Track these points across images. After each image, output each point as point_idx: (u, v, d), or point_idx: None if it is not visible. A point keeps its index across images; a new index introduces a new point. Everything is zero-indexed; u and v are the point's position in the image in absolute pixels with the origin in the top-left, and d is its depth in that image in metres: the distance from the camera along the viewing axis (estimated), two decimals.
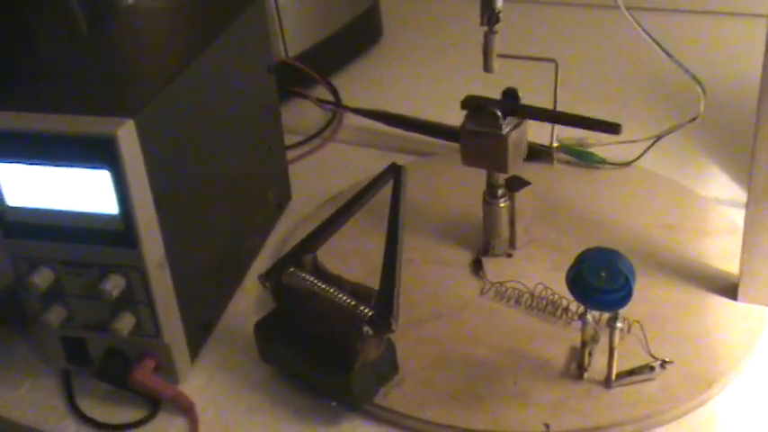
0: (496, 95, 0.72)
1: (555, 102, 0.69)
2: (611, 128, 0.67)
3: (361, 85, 1.12)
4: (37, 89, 0.66)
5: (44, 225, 0.62)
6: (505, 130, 0.70)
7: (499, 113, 0.70)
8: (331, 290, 0.65)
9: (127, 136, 0.58)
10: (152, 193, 0.62)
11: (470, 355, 0.68)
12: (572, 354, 0.67)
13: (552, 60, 0.67)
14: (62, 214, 0.62)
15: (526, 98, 0.72)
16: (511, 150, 0.71)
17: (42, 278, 0.63)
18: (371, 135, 1.00)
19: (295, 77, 1.06)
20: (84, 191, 0.60)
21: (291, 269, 0.67)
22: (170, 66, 0.68)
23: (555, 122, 0.68)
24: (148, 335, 0.66)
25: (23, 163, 0.60)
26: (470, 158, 0.74)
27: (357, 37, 1.19)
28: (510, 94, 0.71)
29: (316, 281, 0.66)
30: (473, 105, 0.71)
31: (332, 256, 0.70)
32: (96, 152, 0.58)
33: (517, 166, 0.73)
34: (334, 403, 0.65)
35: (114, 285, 0.63)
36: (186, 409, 0.66)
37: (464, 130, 0.72)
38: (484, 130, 0.71)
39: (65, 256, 0.63)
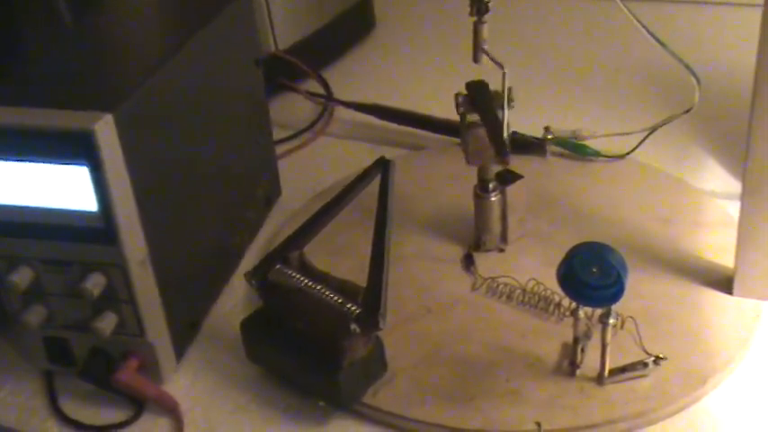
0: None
1: (505, 106, 0.68)
2: (502, 154, 0.67)
3: (353, 78, 1.11)
4: (14, 82, 0.65)
5: (22, 223, 0.61)
6: (472, 119, 0.70)
7: (461, 101, 0.70)
8: (318, 287, 0.64)
9: (105, 131, 0.57)
10: (133, 189, 0.61)
11: (461, 352, 0.67)
12: (564, 350, 0.66)
13: (502, 67, 0.67)
14: (40, 211, 0.60)
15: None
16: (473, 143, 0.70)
17: (22, 277, 0.62)
18: (363, 129, 0.99)
19: (285, 70, 1.04)
20: (62, 187, 0.59)
21: (278, 266, 0.66)
22: (152, 58, 0.67)
23: (485, 123, 0.69)
24: (132, 334, 0.65)
25: (0, 159, 0.59)
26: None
27: (348, 29, 1.17)
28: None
29: (302, 278, 0.65)
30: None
31: (321, 252, 0.69)
32: (74, 147, 0.57)
33: (480, 161, 0.73)
34: (321, 403, 0.64)
35: (95, 284, 0.61)
36: (171, 410, 0.65)
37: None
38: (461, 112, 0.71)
39: (44, 254, 0.62)
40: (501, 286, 0.73)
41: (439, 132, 0.94)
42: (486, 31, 0.69)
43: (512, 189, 0.75)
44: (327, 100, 1.04)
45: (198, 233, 0.72)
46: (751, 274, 0.68)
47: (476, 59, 0.70)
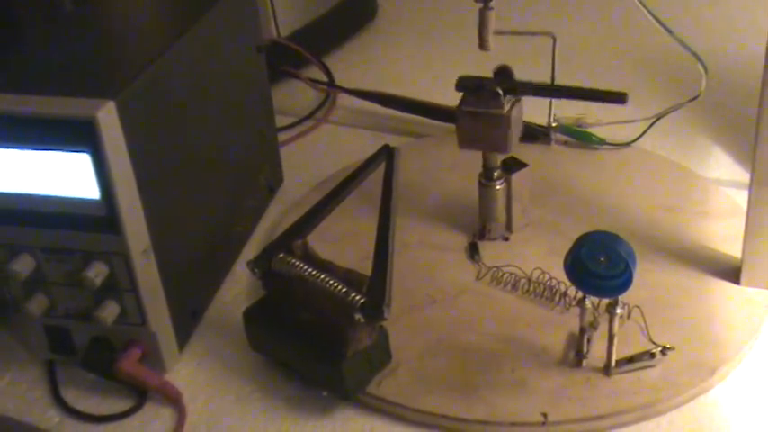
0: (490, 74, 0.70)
1: (553, 77, 0.67)
2: (617, 98, 0.64)
3: (355, 65, 1.10)
4: (15, 69, 0.64)
5: (24, 210, 0.61)
6: (506, 108, 0.68)
7: (500, 92, 0.67)
8: (321, 276, 0.63)
9: (107, 118, 0.56)
10: (135, 177, 0.60)
11: (466, 342, 0.67)
12: (570, 340, 0.66)
13: (550, 34, 0.65)
14: (42, 199, 0.60)
15: (521, 76, 0.70)
16: (512, 129, 0.69)
17: (23, 265, 0.62)
18: (366, 116, 0.99)
19: (287, 57, 1.04)
20: (64, 175, 0.58)
21: (281, 255, 0.65)
22: (154, 45, 0.66)
23: (557, 97, 0.66)
24: (134, 323, 0.64)
25: (1, 146, 0.58)
26: (468, 141, 0.71)
27: (351, 16, 1.17)
28: (503, 72, 0.69)
29: (306, 267, 0.64)
30: (470, 86, 0.69)
31: (324, 240, 0.68)
32: (76, 135, 0.56)
33: (515, 146, 0.71)
34: (325, 393, 0.64)
35: (97, 273, 0.61)
36: (173, 400, 0.65)
37: (461, 111, 0.70)
38: (483, 110, 0.69)
39: (46, 242, 0.62)
40: (506, 275, 0.72)
41: (442, 120, 0.93)
42: (492, 17, 0.68)
43: (516, 177, 0.74)
44: (330, 87, 1.04)
45: (201, 221, 0.72)
46: (758, 264, 0.68)
47: (482, 46, 0.69)
